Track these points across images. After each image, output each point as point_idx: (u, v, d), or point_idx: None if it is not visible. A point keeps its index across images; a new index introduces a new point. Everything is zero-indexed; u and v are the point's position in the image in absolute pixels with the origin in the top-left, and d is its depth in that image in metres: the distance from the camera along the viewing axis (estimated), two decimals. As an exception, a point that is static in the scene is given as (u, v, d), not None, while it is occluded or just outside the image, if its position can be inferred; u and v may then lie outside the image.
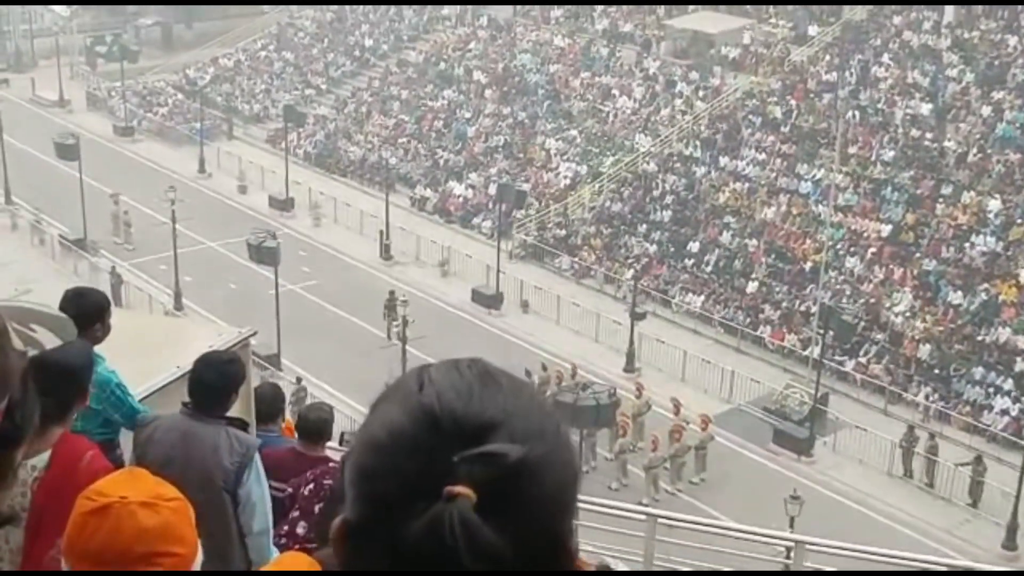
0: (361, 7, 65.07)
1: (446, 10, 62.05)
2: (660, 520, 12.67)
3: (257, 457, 5.85)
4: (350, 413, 25.37)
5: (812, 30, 50.24)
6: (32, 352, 1.46)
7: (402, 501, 1.26)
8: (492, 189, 45.90)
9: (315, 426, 7.39)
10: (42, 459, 3.73)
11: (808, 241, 40.03)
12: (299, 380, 32.55)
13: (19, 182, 47.74)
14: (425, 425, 1.28)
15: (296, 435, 7.62)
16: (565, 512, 1.32)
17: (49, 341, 1.51)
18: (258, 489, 5.83)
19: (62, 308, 5.55)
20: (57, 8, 72.31)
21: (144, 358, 7.49)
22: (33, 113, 59.44)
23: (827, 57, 48.49)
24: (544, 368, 32.88)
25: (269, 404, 7.90)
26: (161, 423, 5.94)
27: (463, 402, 1.29)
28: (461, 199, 47.68)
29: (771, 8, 52.87)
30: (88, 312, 5.63)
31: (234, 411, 6.42)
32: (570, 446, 1.36)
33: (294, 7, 68.20)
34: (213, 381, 5.83)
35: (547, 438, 1.31)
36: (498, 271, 39.87)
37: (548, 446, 1.30)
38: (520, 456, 1.26)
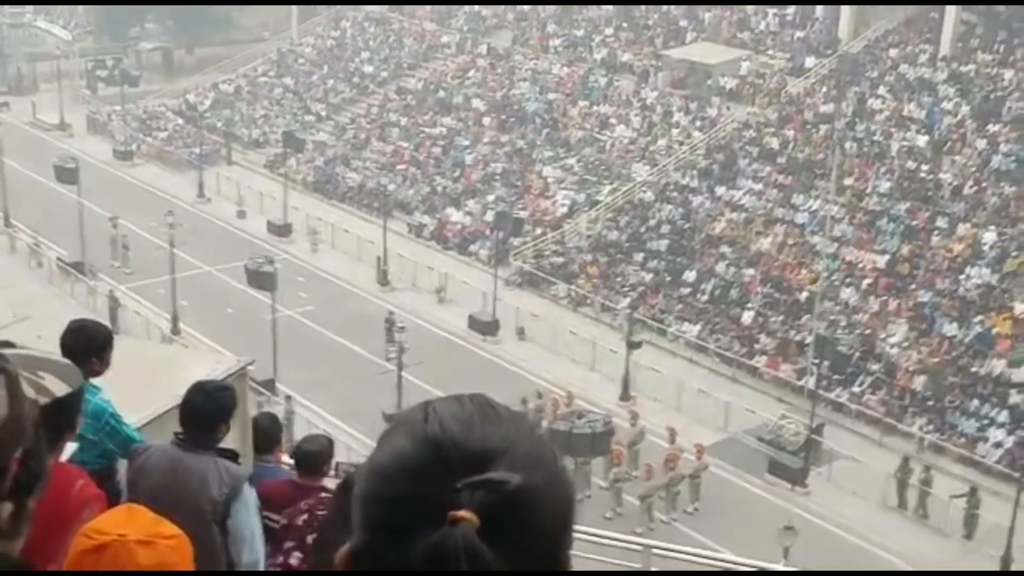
0: (362, 36, 65.38)
1: (445, 38, 62.33)
2: (655, 551, 12.69)
3: (246, 488, 5.86)
4: (347, 440, 25.37)
5: (809, 62, 50.49)
6: (43, 400, 1.53)
7: (407, 526, 1.32)
8: (489, 216, 46.02)
9: (312, 458, 7.40)
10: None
11: (804, 271, 40.11)
12: (289, 399, 32.55)
13: (18, 205, 47.84)
14: (429, 453, 1.34)
15: (293, 466, 7.65)
16: (563, 537, 1.38)
17: (58, 388, 1.57)
18: (247, 521, 5.84)
19: (62, 339, 5.64)
20: (59, 31, 72.61)
21: (142, 386, 7.54)
22: (33, 136, 59.59)
23: (824, 89, 48.71)
24: (539, 396, 32.88)
25: (266, 434, 7.93)
26: (152, 453, 5.97)
27: (465, 431, 1.36)
28: (459, 226, 47.77)
29: (768, 40, 53.15)
30: (86, 345, 5.70)
31: (232, 440, 6.47)
32: (567, 474, 1.42)
33: (294, 34, 68.51)
34: (204, 411, 5.86)
35: (546, 466, 1.37)
36: (495, 298, 39.92)
37: (547, 474, 1.37)
38: (521, 483, 1.32)
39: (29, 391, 1.43)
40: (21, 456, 1.38)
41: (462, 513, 1.29)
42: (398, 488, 1.34)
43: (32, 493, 1.39)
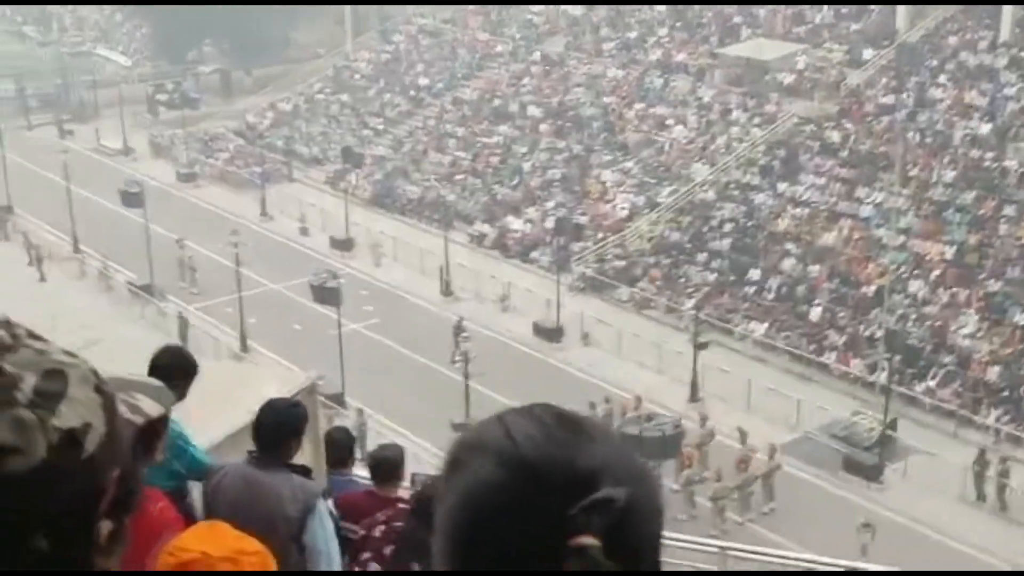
0: (416, 49, 65.71)
1: (499, 47, 62.46)
2: (730, 553, 12.60)
3: (321, 503, 5.90)
4: (417, 451, 25.46)
5: (867, 53, 49.95)
6: (139, 420, 1.57)
7: (521, 558, 1.27)
8: (550, 223, 45.98)
9: (386, 467, 7.46)
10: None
11: (871, 265, 39.68)
12: (361, 412, 32.76)
13: (86, 230, 48.56)
14: (531, 479, 1.28)
15: (369, 476, 7.70)
16: (660, 542, 1.37)
17: (152, 409, 1.61)
18: (323, 536, 5.88)
19: (156, 359, 5.79)
20: (118, 58, 73.74)
21: (214, 405, 7.61)
22: (98, 162, 60.50)
23: (883, 80, 48.17)
24: (607, 400, 32.79)
25: (341, 447, 7.99)
26: (227, 472, 6.02)
27: (562, 451, 1.30)
28: (519, 234, 47.79)
29: (825, 32, 52.67)
30: (177, 368, 5.85)
31: (304, 456, 6.51)
32: (656, 479, 1.40)
33: (349, 50, 69.01)
34: (275, 429, 5.90)
35: (641, 476, 1.35)
36: (558, 304, 39.89)
37: (644, 483, 1.34)
38: (628, 498, 1.29)
39: (124, 411, 1.45)
40: (119, 475, 1.40)
41: (586, 540, 1.25)
42: (502, 519, 1.28)
43: (129, 511, 1.42)
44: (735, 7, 56.16)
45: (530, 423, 1.34)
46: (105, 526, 1.38)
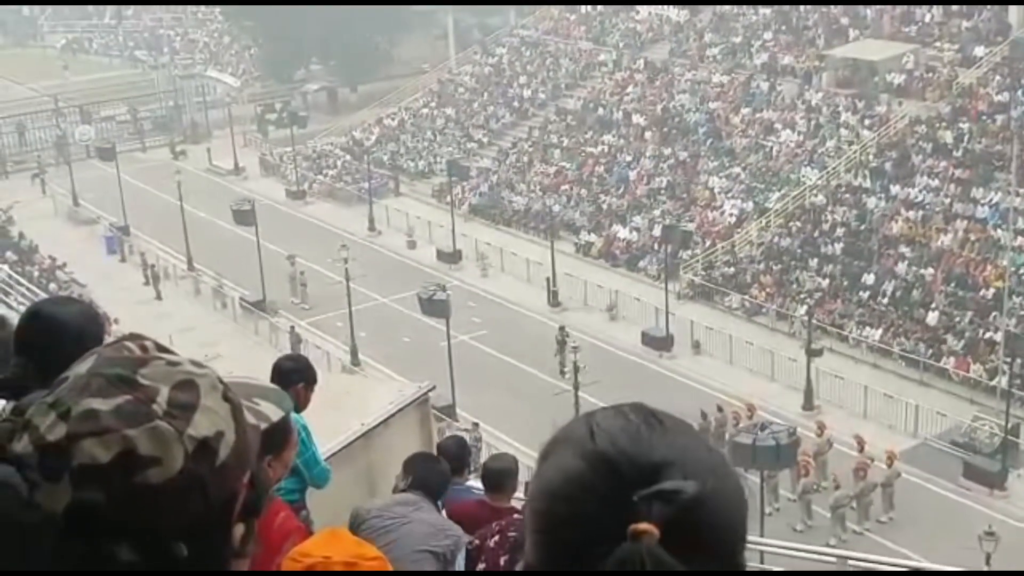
0: (519, 60, 65.96)
1: (601, 56, 62.40)
2: (851, 562, 12.32)
3: (461, 553, 6.12)
4: (528, 462, 25.42)
5: (979, 51, 48.82)
6: (262, 425, 1.59)
7: (586, 544, 1.31)
8: (657, 231, 45.68)
9: (498, 477, 7.46)
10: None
11: (989, 267, 38.69)
12: (476, 426, 32.87)
13: (200, 248, 49.62)
14: (602, 469, 1.33)
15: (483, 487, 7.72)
16: (740, 540, 1.38)
17: (274, 414, 1.62)
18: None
19: (279, 363, 5.96)
20: (228, 79, 75.32)
21: (329, 416, 7.67)
22: (210, 182, 61.82)
23: (997, 78, 47.01)
24: (720, 409, 32.43)
25: (455, 457, 8.00)
26: (374, 514, 6.22)
27: (635, 444, 1.35)
28: (626, 242, 47.63)
29: (935, 31, 51.62)
30: (298, 373, 6.02)
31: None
32: (737, 477, 1.42)
33: (453, 64, 69.56)
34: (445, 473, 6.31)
35: (717, 471, 1.37)
36: (667, 313, 39.60)
37: (719, 479, 1.36)
38: (696, 491, 1.32)
39: (249, 417, 1.51)
40: (248, 480, 1.47)
41: (643, 526, 1.29)
42: (574, 507, 1.34)
43: (258, 514, 1.46)
44: (841, 8, 55.36)
45: (614, 419, 1.40)
46: (238, 529, 1.46)
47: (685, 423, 1.44)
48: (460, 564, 6.06)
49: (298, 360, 6.43)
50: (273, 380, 5.34)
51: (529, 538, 1.39)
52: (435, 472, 6.68)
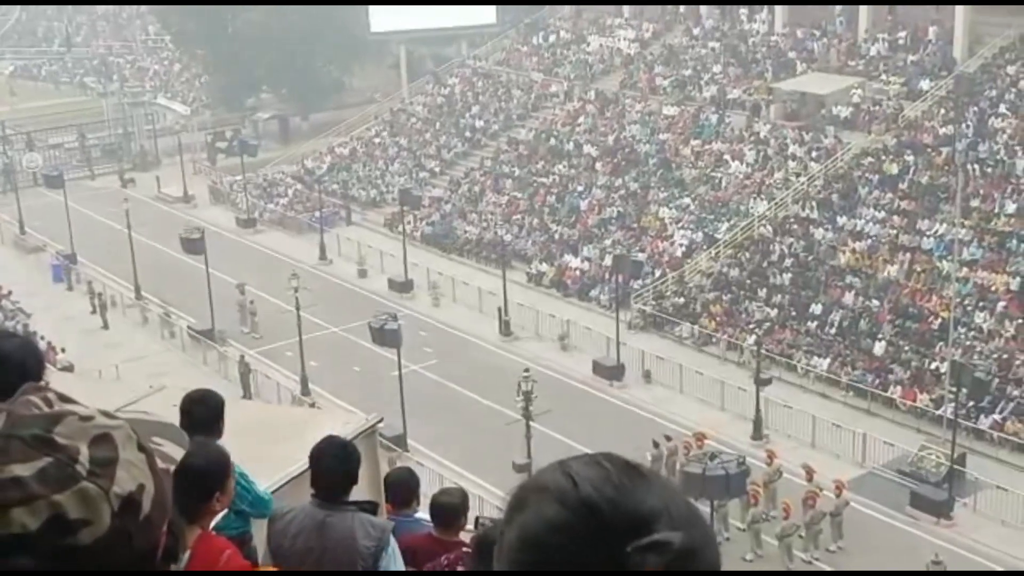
0: (471, 91, 66.12)
1: (553, 87, 62.72)
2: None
3: (392, 539, 5.88)
4: (479, 492, 25.35)
5: (924, 84, 49.55)
6: (168, 467, 1.58)
7: None
8: (608, 260, 45.88)
9: (448, 510, 7.38)
10: (181, 559, 3.80)
11: (935, 298, 39.16)
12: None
13: (148, 277, 49.19)
14: (591, 519, 1.33)
15: (430, 520, 7.63)
16: None
17: (176, 453, 1.62)
18: (396, 569, 5.86)
19: (189, 409, 5.66)
20: (177, 107, 74.91)
21: (274, 448, 7.60)
22: (159, 210, 61.36)
23: (942, 111, 47.71)
24: (669, 439, 32.52)
25: (404, 487, 7.93)
26: (295, 515, 5.99)
27: (622, 495, 1.35)
28: (577, 272, 47.76)
29: (880, 65, 52.33)
30: (215, 415, 5.75)
31: (364, 497, 6.46)
32: (709, 526, 1.43)
33: (405, 93, 69.60)
34: (334, 468, 5.88)
35: (697, 521, 1.39)
36: (618, 342, 39.72)
37: (699, 529, 1.38)
38: (683, 541, 1.33)
39: (158, 461, 1.49)
40: (167, 527, 1.47)
41: None
42: (562, 558, 1.32)
43: (176, 558, 1.46)
44: (789, 42, 56.02)
45: (591, 468, 1.38)
46: None
47: (658, 473, 1.44)
48: (394, 548, 5.94)
49: (213, 396, 6.00)
50: (190, 422, 5.24)
51: None
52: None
